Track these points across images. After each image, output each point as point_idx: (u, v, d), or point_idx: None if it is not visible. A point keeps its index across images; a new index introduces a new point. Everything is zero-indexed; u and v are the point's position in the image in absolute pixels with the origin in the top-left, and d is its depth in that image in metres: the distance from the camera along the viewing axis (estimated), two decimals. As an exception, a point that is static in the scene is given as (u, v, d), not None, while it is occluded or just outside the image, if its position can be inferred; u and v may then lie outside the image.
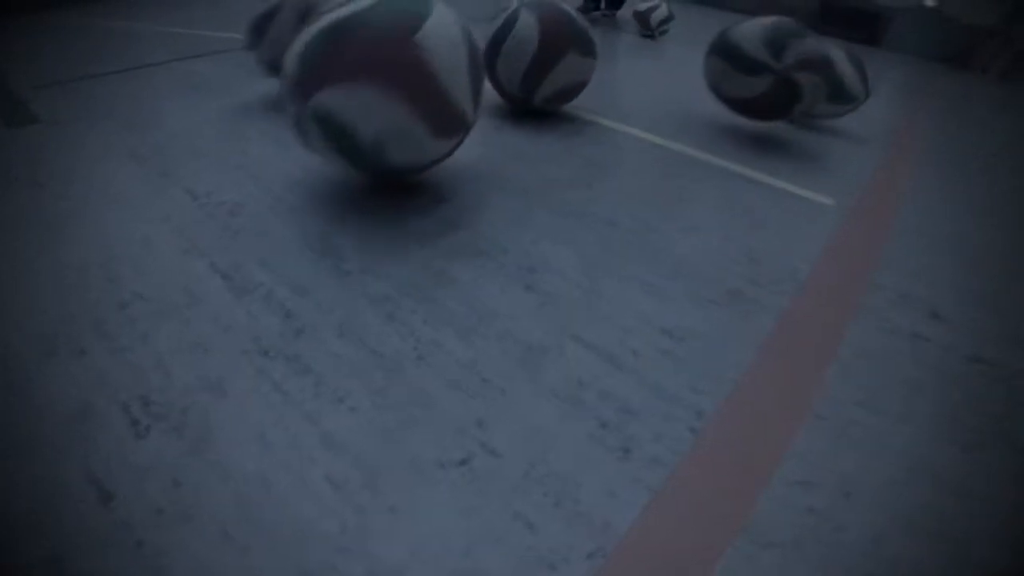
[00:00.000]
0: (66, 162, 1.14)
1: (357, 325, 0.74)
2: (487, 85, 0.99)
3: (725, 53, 1.43)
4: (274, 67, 1.43)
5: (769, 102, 1.41)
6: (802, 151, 1.53)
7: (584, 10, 3.45)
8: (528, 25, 1.34)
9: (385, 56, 0.82)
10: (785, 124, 1.75)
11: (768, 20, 1.39)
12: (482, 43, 1.31)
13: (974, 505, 0.57)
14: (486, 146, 1.33)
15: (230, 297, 0.77)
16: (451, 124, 0.92)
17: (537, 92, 1.42)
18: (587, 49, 1.42)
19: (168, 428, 0.58)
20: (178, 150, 1.21)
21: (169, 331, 0.71)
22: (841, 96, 1.59)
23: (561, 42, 1.35)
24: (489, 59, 1.41)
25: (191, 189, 1.05)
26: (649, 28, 2.86)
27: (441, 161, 1.02)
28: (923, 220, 1.19)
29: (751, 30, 1.39)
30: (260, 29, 1.42)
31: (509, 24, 1.37)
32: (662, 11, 2.83)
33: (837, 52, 1.58)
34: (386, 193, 1.08)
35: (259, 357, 0.68)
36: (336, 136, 0.86)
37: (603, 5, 3.46)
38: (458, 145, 1.01)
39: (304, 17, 1.37)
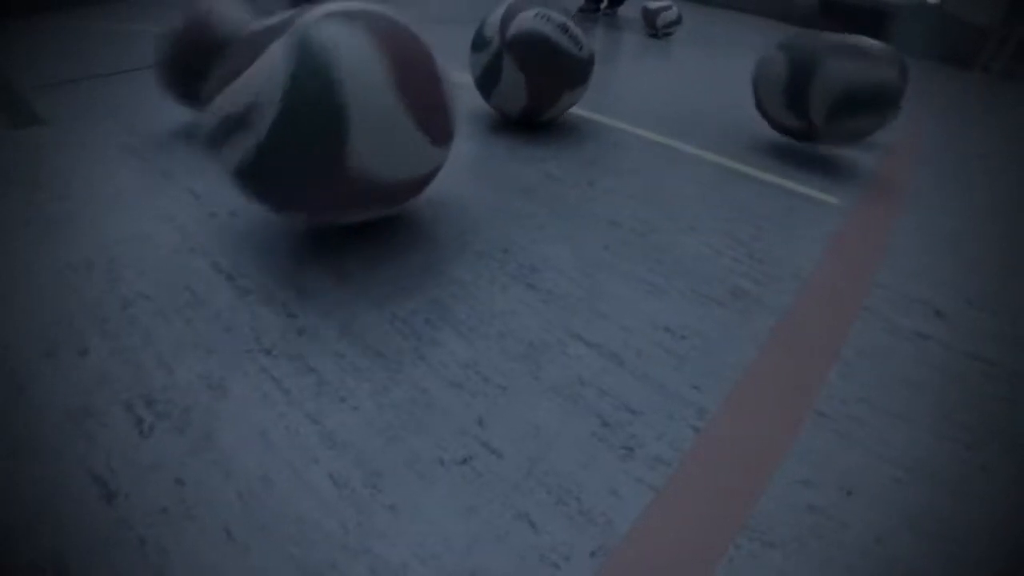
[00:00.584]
0: (68, 162, 1.14)
1: (358, 325, 0.74)
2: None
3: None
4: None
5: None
6: (804, 149, 1.53)
7: (585, 10, 3.45)
8: (514, 82, 1.28)
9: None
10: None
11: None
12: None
13: (975, 504, 0.57)
14: (486, 145, 1.33)
15: (232, 297, 0.78)
16: (446, 131, 0.82)
17: (536, 120, 1.42)
18: (580, 80, 1.33)
19: (171, 427, 0.58)
20: (180, 150, 1.21)
21: (171, 331, 0.71)
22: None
23: (552, 92, 1.30)
24: (482, 93, 1.39)
25: (193, 189, 1.05)
26: (655, 28, 2.86)
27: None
28: (925, 219, 1.19)
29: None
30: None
31: (493, 74, 1.30)
32: (671, 13, 2.83)
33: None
34: (387, 193, 1.08)
35: (261, 356, 0.68)
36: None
37: (604, 4, 3.45)
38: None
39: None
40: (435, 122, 0.77)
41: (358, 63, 0.68)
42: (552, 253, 0.93)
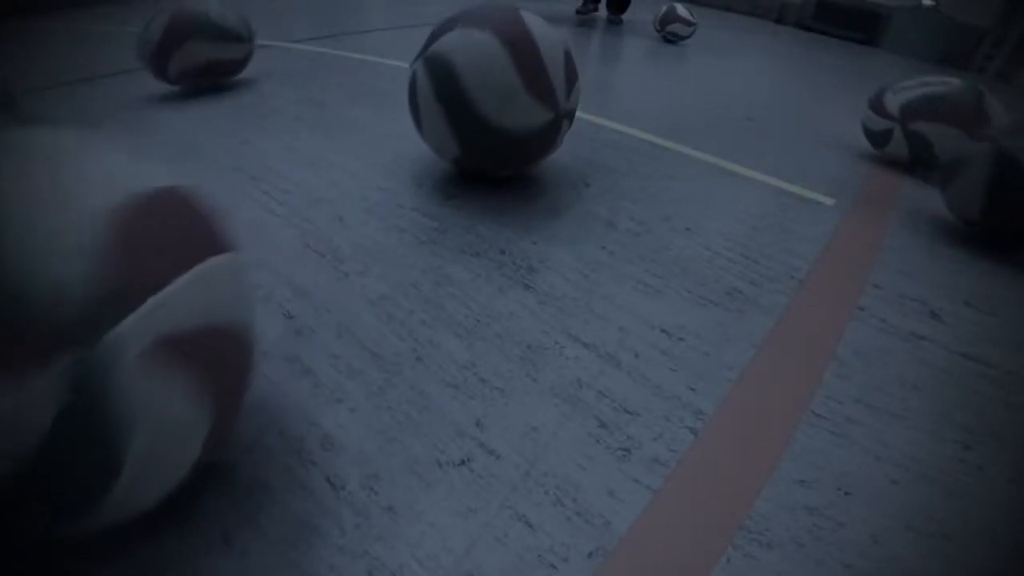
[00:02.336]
0: (64, 164, 1.13)
1: (356, 326, 0.74)
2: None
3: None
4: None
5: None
6: (801, 151, 1.53)
7: (583, 12, 3.46)
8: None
9: (504, 22, 0.92)
10: (783, 123, 1.76)
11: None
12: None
13: (972, 504, 0.57)
14: (484, 147, 1.33)
15: (228, 298, 0.77)
16: (546, 92, 0.94)
17: (169, 68, 1.48)
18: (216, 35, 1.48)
19: (167, 430, 0.58)
20: (175, 152, 1.21)
21: (167, 333, 0.71)
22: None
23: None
24: None
25: (189, 191, 1.05)
26: (663, 29, 2.86)
27: (534, 152, 1.03)
28: (921, 220, 1.19)
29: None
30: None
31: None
32: (685, 29, 2.83)
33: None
34: (384, 194, 1.08)
35: (258, 358, 0.68)
36: (443, 82, 0.93)
37: (606, 10, 3.45)
38: (554, 135, 1.02)
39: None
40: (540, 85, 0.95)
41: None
42: (550, 254, 0.93)
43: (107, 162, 0.36)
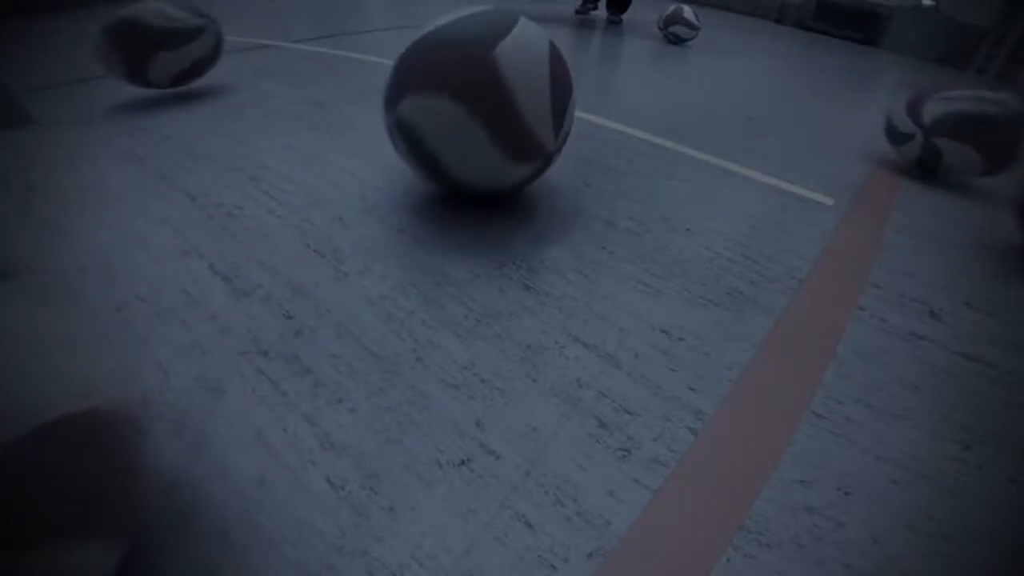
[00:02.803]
0: (63, 164, 1.13)
1: (355, 326, 0.74)
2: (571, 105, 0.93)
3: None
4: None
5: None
6: (801, 151, 1.53)
7: (582, 12, 3.46)
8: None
9: (464, 74, 0.79)
10: (783, 123, 1.76)
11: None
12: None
13: (971, 504, 0.57)
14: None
15: (229, 299, 0.77)
16: (526, 150, 0.88)
17: (151, 74, 1.44)
18: (173, 44, 1.40)
19: (167, 429, 0.58)
20: (176, 152, 1.21)
21: (167, 333, 0.71)
22: None
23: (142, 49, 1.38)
24: None
25: (189, 191, 1.05)
26: (666, 29, 2.86)
27: (523, 186, 1.00)
28: (921, 220, 1.19)
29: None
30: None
31: None
32: (690, 33, 2.83)
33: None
34: (384, 194, 1.08)
35: (258, 358, 0.68)
36: (413, 145, 0.87)
37: (606, 10, 3.45)
38: (539, 173, 0.97)
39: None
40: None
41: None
42: (550, 254, 0.93)
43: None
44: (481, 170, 0.88)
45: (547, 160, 0.95)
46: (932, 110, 1.33)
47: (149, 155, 1.19)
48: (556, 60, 0.88)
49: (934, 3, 3.86)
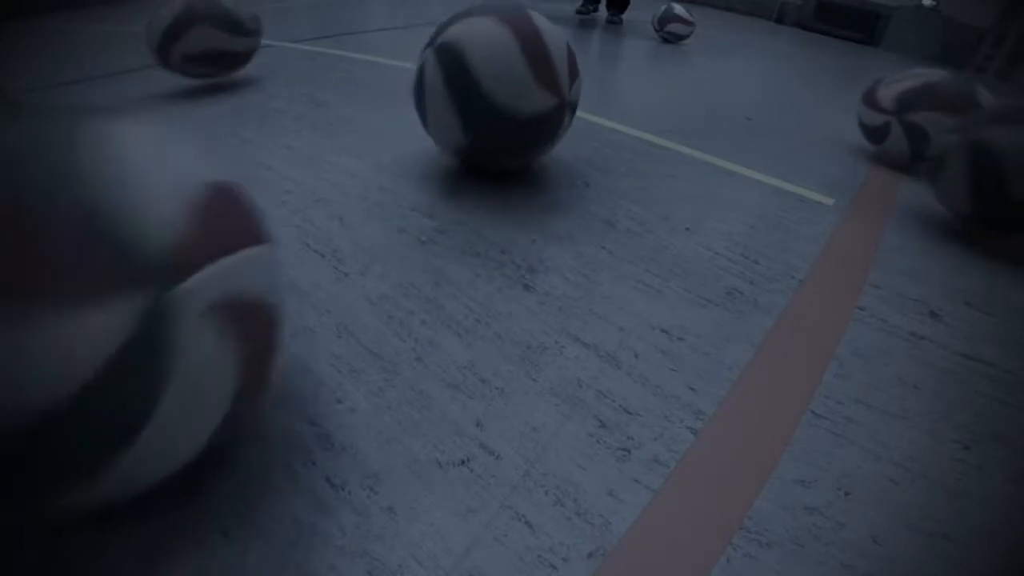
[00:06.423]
0: (64, 164, 1.13)
1: (355, 326, 0.74)
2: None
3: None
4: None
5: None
6: (801, 151, 1.53)
7: (583, 12, 3.46)
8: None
9: (507, 13, 0.98)
10: (782, 123, 1.76)
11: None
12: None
13: (971, 504, 0.57)
14: (484, 147, 1.33)
15: (228, 298, 0.77)
16: (552, 81, 0.99)
17: (173, 51, 1.47)
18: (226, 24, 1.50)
19: (166, 430, 0.58)
20: (176, 152, 1.21)
21: (167, 333, 0.71)
22: None
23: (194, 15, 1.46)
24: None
25: (189, 191, 1.05)
26: (662, 29, 2.87)
27: (538, 139, 1.05)
28: (921, 219, 1.19)
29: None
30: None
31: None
32: (686, 29, 2.83)
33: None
34: (384, 194, 1.08)
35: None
36: (453, 68, 0.96)
37: (606, 10, 3.45)
38: (557, 123, 1.05)
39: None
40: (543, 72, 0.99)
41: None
42: (550, 254, 0.93)
43: (184, 152, 0.44)
44: (511, 85, 0.95)
45: (562, 107, 1.03)
46: (887, 93, 1.36)
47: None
48: (568, 45, 1.06)
49: (934, 3, 3.86)
